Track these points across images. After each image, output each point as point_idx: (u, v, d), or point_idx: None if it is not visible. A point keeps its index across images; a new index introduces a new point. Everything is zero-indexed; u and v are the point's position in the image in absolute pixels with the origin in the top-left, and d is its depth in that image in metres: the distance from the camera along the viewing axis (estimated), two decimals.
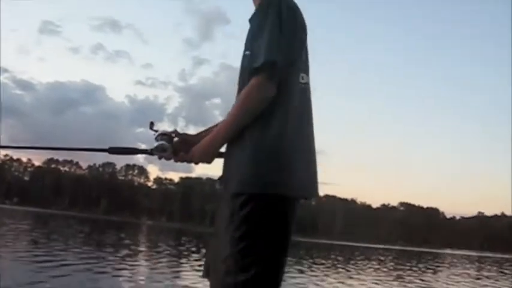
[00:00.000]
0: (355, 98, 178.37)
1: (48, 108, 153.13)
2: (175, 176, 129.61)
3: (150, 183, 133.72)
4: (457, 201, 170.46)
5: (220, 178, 1.89)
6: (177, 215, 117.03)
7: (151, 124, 1.99)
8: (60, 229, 24.01)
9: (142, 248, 20.40)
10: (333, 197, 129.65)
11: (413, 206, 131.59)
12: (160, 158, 1.96)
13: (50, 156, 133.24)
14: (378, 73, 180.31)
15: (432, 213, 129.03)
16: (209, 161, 1.88)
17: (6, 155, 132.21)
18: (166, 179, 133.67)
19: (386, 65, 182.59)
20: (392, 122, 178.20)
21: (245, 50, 1.86)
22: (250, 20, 1.93)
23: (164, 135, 1.97)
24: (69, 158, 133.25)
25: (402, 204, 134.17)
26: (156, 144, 1.96)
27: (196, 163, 1.90)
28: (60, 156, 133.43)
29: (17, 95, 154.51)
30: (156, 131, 1.98)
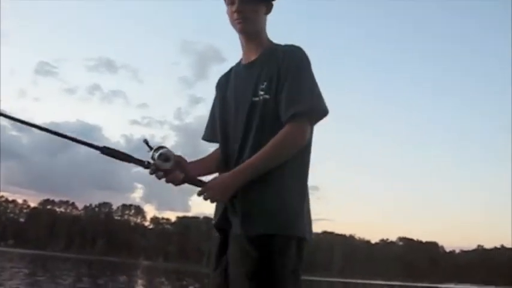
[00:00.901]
0: (350, 130, 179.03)
1: (44, 149, 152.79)
2: (172, 216, 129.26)
3: (146, 223, 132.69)
4: (456, 234, 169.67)
5: (227, 217, 1.87)
6: (173, 255, 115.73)
7: (146, 141, 1.86)
8: (61, 273, 23.64)
9: None
10: (331, 233, 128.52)
11: (412, 240, 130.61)
12: (155, 171, 1.82)
13: (46, 197, 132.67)
14: (374, 105, 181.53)
15: (432, 248, 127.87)
16: (226, 199, 1.82)
17: (1, 196, 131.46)
18: (163, 218, 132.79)
19: (381, 97, 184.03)
20: (389, 156, 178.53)
21: (263, 94, 1.86)
22: (263, 64, 1.93)
23: (164, 148, 1.85)
24: (64, 199, 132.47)
25: (401, 239, 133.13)
26: (157, 153, 1.83)
27: (213, 200, 1.81)
28: (56, 196, 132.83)
29: (14, 136, 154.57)
30: (151, 147, 1.85)
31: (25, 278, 17.14)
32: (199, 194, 1.81)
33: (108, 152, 1.82)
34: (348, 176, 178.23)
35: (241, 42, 2.05)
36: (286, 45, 1.97)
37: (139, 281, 26.11)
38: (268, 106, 1.85)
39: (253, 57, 2.00)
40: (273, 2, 2.02)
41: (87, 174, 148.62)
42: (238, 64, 2.09)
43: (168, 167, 1.82)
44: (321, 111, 1.85)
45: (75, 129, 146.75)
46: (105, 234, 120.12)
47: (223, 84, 2.10)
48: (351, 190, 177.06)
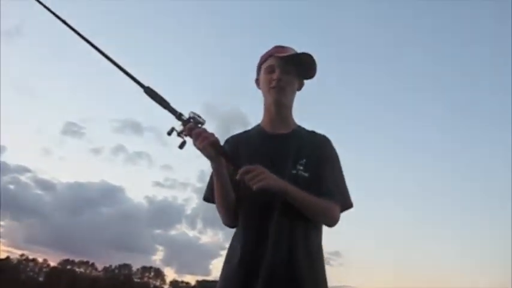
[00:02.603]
0: (369, 194, 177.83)
1: (67, 208, 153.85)
2: (192, 279, 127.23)
3: (166, 286, 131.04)
4: None
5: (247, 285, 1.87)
6: None
7: (179, 114, 1.90)
8: None
9: None
10: None
11: None
12: (183, 131, 1.87)
13: (66, 257, 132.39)
14: (389, 165, 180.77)
15: None
16: (273, 187, 1.83)
17: (22, 255, 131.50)
18: (182, 282, 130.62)
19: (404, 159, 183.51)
20: (410, 220, 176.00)
21: (301, 169, 1.97)
22: (299, 140, 2.05)
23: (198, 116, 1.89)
24: (84, 259, 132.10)
25: None
26: (190, 115, 1.88)
27: (263, 184, 1.80)
28: (76, 256, 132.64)
29: (38, 194, 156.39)
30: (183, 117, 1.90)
31: None
32: (244, 172, 1.81)
33: (150, 92, 1.87)
34: (370, 241, 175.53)
35: (268, 110, 2.10)
36: (319, 133, 2.12)
37: None
38: (304, 182, 1.93)
39: (281, 129, 2.07)
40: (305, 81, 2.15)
41: (108, 235, 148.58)
42: (260, 129, 2.13)
43: (200, 129, 1.86)
44: (350, 206, 2.06)
45: (99, 190, 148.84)
46: None
47: (244, 143, 2.12)
48: (374, 255, 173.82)
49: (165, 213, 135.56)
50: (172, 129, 1.88)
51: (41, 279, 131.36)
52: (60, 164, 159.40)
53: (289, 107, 2.10)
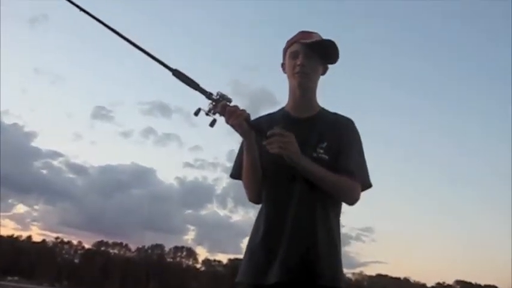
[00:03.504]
0: (403, 169, 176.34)
1: (99, 191, 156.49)
2: (223, 258, 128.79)
3: (198, 265, 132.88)
4: None
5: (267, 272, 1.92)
6: None
7: (209, 94, 1.96)
8: None
9: None
10: (385, 276, 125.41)
11: (470, 284, 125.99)
12: (215, 109, 1.94)
13: (100, 239, 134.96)
14: (428, 140, 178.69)
15: None
16: (296, 158, 1.89)
17: (57, 238, 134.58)
18: (215, 260, 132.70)
19: (438, 131, 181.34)
20: (443, 195, 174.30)
21: (322, 152, 2.01)
22: (323, 124, 2.10)
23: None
24: (118, 240, 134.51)
25: (458, 282, 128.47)
26: (218, 96, 1.94)
27: (289, 150, 1.87)
28: (110, 238, 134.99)
29: (70, 178, 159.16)
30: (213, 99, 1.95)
31: None
32: (271, 134, 1.88)
33: (178, 75, 1.94)
34: (402, 217, 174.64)
35: (293, 94, 2.16)
36: (343, 116, 2.17)
37: None
38: (325, 165, 1.98)
39: (305, 113, 2.13)
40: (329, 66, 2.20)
41: (140, 216, 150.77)
42: (284, 113, 2.19)
43: (230, 107, 1.92)
44: (369, 186, 2.11)
45: (130, 172, 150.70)
46: (158, 276, 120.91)
47: (267, 126, 2.08)
48: (406, 231, 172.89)
49: (195, 194, 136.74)
50: (199, 110, 1.94)
51: (76, 261, 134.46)
52: (91, 148, 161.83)
53: (313, 91, 2.16)
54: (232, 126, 1.92)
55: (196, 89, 1.95)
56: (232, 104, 1.94)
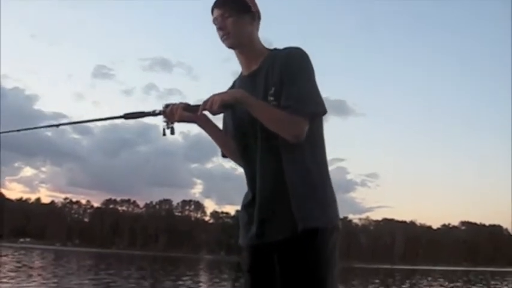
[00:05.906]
0: (407, 115, 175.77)
1: (105, 150, 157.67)
2: (231, 209, 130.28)
3: (207, 218, 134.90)
4: None
5: (264, 230, 1.90)
6: (235, 248, 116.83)
7: (154, 111, 2.01)
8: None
9: None
10: (391, 220, 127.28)
11: (475, 224, 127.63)
12: (167, 120, 1.99)
13: (108, 197, 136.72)
14: (437, 93, 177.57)
15: (495, 231, 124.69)
16: (223, 100, 1.83)
17: (66, 198, 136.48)
18: (222, 212, 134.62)
19: (437, 82, 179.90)
20: (447, 139, 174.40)
21: (272, 99, 1.89)
22: (267, 71, 1.96)
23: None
24: (126, 198, 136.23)
25: (463, 223, 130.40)
26: (163, 107, 2.00)
27: (220, 100, 1.83)
28: (118, 196, 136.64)
29: (75, 139, 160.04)
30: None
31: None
32: (202, 107, 1.87)
33: (129, 116, 2.03)
34: (407, 161, 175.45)
35: (236, 57, 2.09)
36: (285, 48, 1.99)
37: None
38: None
39: (254, 67, 2.03)
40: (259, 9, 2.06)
41: (146, 173, 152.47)
42: (240, 77, 2.12)
43: (173, 104, 1.98)
44: (321, 112, 1.92)
45: (135, 130, 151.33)
46: (167, 230, 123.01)
47: None
48: (410, 175, 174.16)
49: (200, 147, 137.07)
50: (163, 129, 1.99)
51: (86, 220, 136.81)
52: (94, 107, 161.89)
53: (249, 44, 2.02)
54: (179, 122, 1.96)
55: (146, 116, 2.00)
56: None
